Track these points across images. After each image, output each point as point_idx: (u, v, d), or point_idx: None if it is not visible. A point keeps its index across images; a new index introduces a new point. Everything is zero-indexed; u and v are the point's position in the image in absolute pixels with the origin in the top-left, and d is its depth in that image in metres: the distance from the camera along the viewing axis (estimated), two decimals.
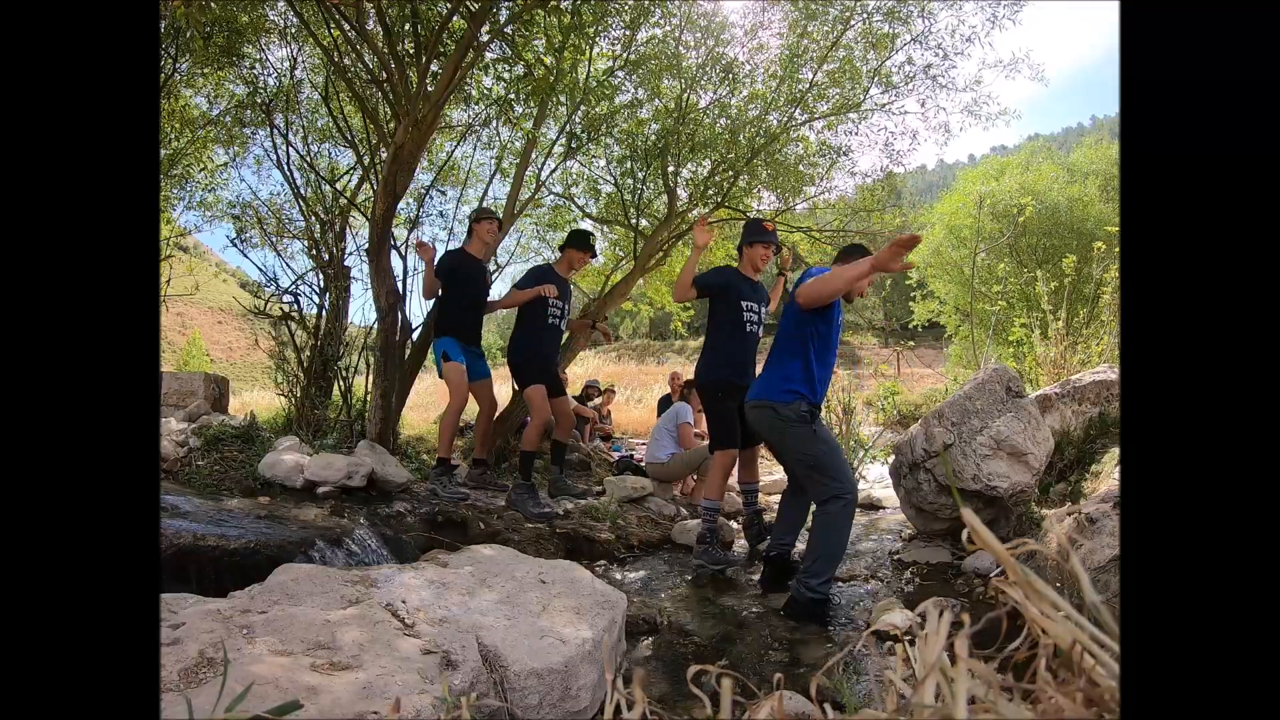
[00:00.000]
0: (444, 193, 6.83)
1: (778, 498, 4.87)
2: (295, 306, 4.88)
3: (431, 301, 4.08)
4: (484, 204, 6.49)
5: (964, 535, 0.50)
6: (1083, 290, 5.47)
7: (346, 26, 4.03)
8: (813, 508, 2.44)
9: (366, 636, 1.36)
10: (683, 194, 6.51)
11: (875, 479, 5.16)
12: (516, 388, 4.38)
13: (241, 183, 14.17)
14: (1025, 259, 11.33)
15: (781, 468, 2.86)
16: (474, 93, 5.27)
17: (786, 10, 5.93)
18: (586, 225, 7.63)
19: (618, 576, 2.98)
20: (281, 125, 5.36)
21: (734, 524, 4.04)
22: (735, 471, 3.58)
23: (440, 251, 3.95)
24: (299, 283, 4.91)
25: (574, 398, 7.02)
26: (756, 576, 2.91)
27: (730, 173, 6.01)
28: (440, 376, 3.75)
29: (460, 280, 3.79)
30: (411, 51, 4.01)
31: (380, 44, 3.97)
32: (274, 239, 5.74)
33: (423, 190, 6.30)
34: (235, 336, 28.42)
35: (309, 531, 2.51)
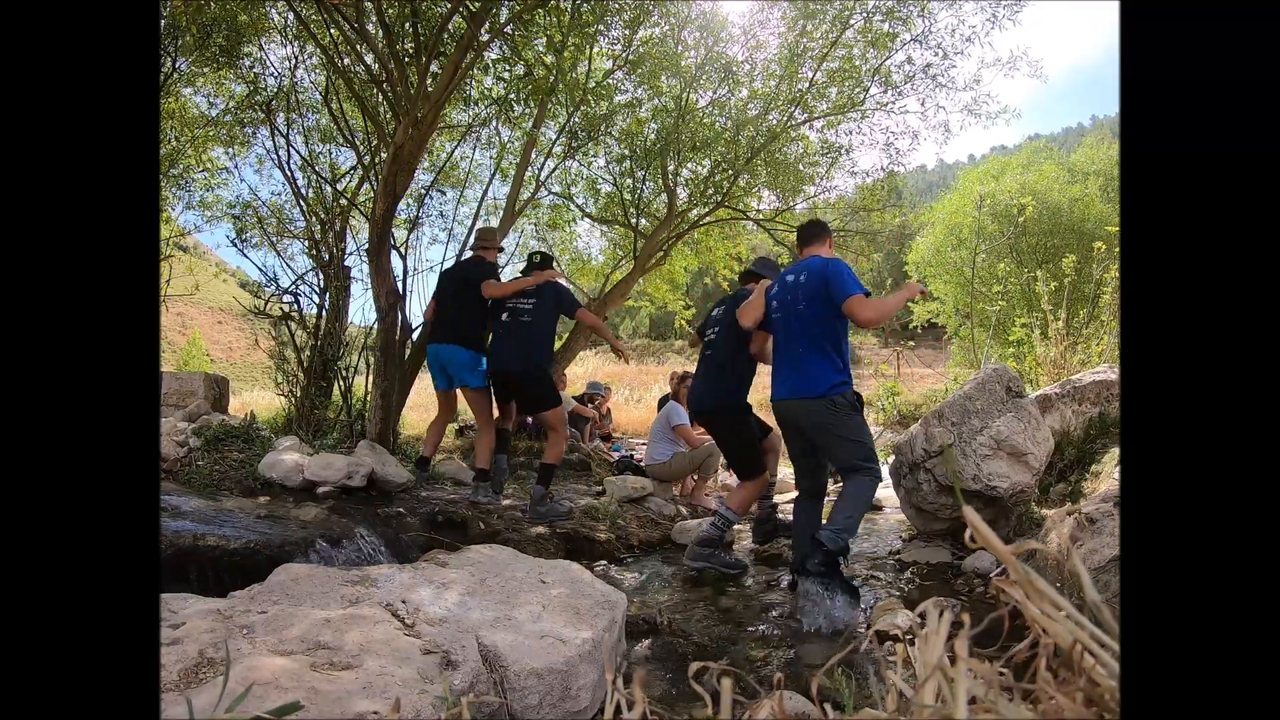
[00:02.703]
0: (444, 193, 6.83)
1: (783, 497, 4.86)
2: (295, 306, 4.88)
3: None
4: (484, 204, 6.51)
5: (966, 535, 0.50)
6: (1083, 290, 5.47)
7: (346, 27, 4.03)
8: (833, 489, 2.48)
9: (366, 636, 1.36)
10: (682, 193, 6.51)
11: None
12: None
13: (242, 183, 14.18)
14: (1025, 259, 11.32)
15: (793, 468, 2.82)
16: (474, 93, 5.27)
17: (786, 9, 5.93)
18: (585, 225, 7.65)
19: (617, 576, 2.98)
20: (282, 125, 5.36)
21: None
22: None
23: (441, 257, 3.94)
24: (299, 283, 4.91)
25: (574, 398, 7.02)
26: (757, 575, 2.91)
27: (730, 172, 6.01)
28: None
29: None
30: (411, 51, 4.01)
31: (380, 44, 3.97)
32: (274, 239, 5.75)
33: (423, 190, 6.30)
34: (235, 336, 28.40)
35: (309, 531, 2.51)
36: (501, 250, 4.42)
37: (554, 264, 3.92)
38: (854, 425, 2.44)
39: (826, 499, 2.84)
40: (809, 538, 2.42)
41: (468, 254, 4.47)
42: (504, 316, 3.54)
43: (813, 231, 2.72)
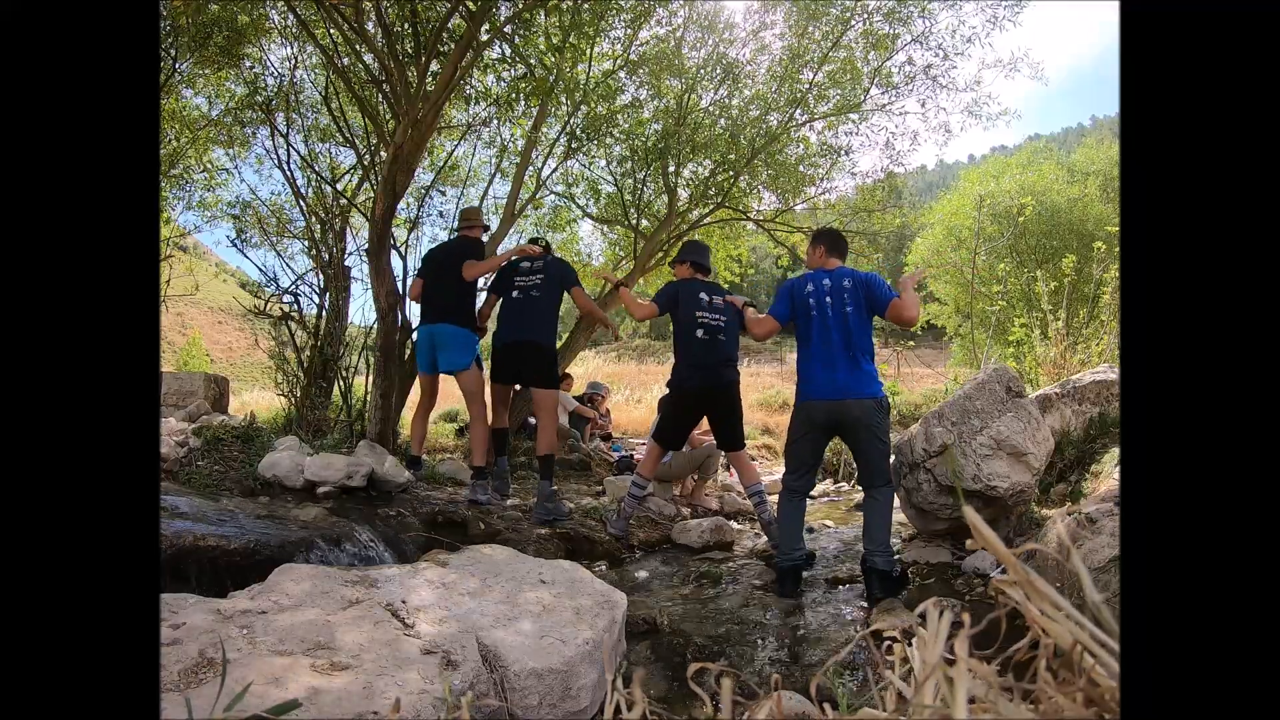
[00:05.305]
0: (444, 193, 6.83)
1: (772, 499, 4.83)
2: (295, 306, 4.88)
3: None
4: (484, 204, 6.50)
5: (969, 542, 0.51)
6: (1083, 290, 5.46)
7: (346, 27, 4.04)
8: (863, 497, 2.71)
9: (366, 636, 1.36)
10: (683, 194, 6.52)
11: None
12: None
13: (241, 183, 14.16)
14: (1025, 259, 11.31)
15: (788, 467, 2.85)
16: (474, 93, 5.27)
17: (787, 11, 5.93)
18: (587, 225, 7.64)
19: (617, 576, 2.98)
20: (282, 125, 5.37)
21: (734, 524, 4.04)
22: (737, 473, 3.60)
23: (435, 245, 3.96)
24: (299, 283, 4.92)
25: (575, 398, 7.02)
26: (757, 576, 2.91)
27: (731, 173, 6.01)
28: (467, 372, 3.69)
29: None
30: (411, 51, 4.01)
31: (380, 44, 3.98)
32: (274, 239, 5.75)
33: (423, 190, 6.30)
34: (235, 336, 28.38)
35: (309, 531, 2.51)
36: (488, 229, 4.39)
37: (552, 250, 3.94)
38: (888, 426, 2.68)
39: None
40: (871, 560, 2.55)
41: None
42: (514, 294, 3.59)
43: (844, 246, 2.96)
